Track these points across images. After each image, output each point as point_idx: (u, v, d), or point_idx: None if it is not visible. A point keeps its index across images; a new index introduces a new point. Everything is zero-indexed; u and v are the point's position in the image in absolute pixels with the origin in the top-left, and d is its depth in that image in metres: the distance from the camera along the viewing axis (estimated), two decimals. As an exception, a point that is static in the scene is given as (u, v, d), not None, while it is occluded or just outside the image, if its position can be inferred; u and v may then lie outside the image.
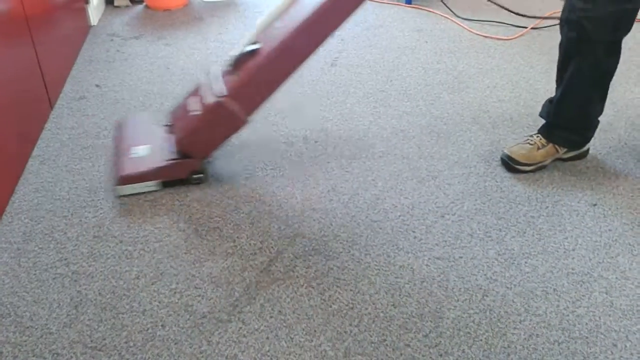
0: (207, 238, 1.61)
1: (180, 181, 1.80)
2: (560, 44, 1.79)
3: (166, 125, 1.91)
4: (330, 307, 1.41)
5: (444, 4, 3.23)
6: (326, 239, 1.61)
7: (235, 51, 1.75)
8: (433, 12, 3.16)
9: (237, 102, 1.69)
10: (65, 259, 1.54)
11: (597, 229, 1.66)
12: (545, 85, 2.40)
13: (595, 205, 1.75)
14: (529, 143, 1.89)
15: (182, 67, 2.54)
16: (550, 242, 1.61)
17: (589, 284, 1.48)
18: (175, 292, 1.44)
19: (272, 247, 1.59)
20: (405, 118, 2.18)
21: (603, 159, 1.95)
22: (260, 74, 1.67)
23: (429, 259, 1.55)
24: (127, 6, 3.24)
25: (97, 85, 2.38)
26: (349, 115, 2.19)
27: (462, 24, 2.99)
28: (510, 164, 1.87)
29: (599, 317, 1.39)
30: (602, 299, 1.44)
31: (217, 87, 1.72)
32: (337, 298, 1.43)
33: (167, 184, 1.80)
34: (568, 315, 1.39)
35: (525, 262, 1.54)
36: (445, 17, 3.09)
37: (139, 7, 3.22)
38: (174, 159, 1.77)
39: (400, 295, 1.44)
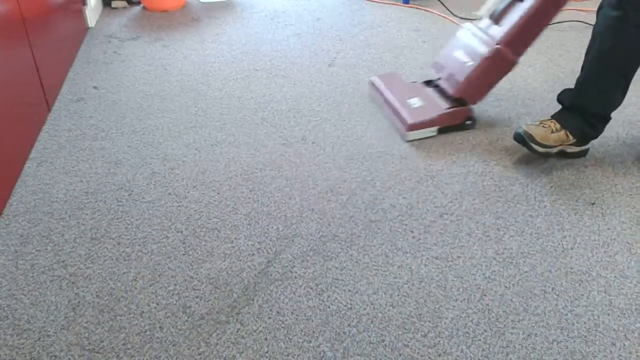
0: (205, 239, 1.61)
1: (454, 127, 2.09)
2: (594, 28, 1.81)
3: (428, 81, 2.25)
4: (329, 307, 1.41)
5: (442, 3, 3.23)
6: (324, 240, 1.61)
7: (489, 8, 2.04)
8: (431, 12, 3.16)
9: (510, 48, 1.96)
10: (63, 261, 1.53)
11: (595, 227, 1.66)
12: (542, 84, 2.40)
13: (593, 204, 1.75)
14: (543, 126, 1.90)
15: (180, 68, 2.54)
16: (548, 241, 1.61)
17: (588, 283, 1.48)
18: (173, 294, 1.44)
19: (270, 248, 1.58)
20: (403, 118, 2.18)
21: (601, 158, 1.95)
22: (529, 20, 1.91)
23: (428, 258, 1.55)
24: (124, 8, 3.23)
25: (94, 87, 2.38)
26: (347, 116, 2.19)
27: (459, 24, 2.99)
28: (526, 141, 1.86)
29: (598, 316, 1.39)
30: (600, 298, 1.43)
31: (489, 38, 2.00)
32: (336, 298, 1.43)
33: (442, 130, 2.07)
34: (567, 315, 1.39)
35: (524, 262, 1.54)
36: (442, 16, 3.09)
37: (137, 9, 3.22)
38: (452, 107, 2.06)
39: (398, 295, 1.44)
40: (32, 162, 1.92)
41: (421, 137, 2.05)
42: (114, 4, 3.23)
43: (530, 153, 1.86)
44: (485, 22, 2.06)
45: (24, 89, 2.00)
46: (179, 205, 1.73)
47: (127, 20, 3.07)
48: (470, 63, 2.01)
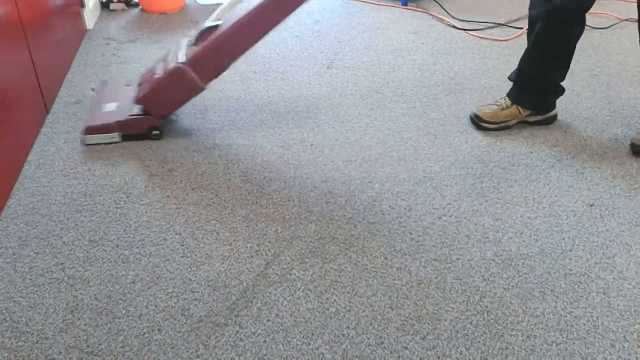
0: (204, 241, 1.61)
1: (140, 136, 2.03)
2: (529, 9, 1.98)
3: (137, 86, 2.14)
4: (328, 309, 1.41)
5: (440, 5, 3.24)
6: (323, 242, 1.61)
7: (201, 27, 2.01)
8: (429, 14, 3.16)
9: (194, 70, 1.93)
10: (61, 264, 1.53)
11: (594, 229, 1.66)
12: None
13: (592, 205, 1.75)
14: (495, 104, 2.11)
15: (178, 71, 2.53)
16: (547, 242, 1.61)
17: (587, 285, 1.48)
18: (171, 296, 1.44)
19: (269, 250, 1.58)
20: (401, 120, 2.18)
21: (600, 159, 1.95)
22: (217, 47, 1.92)
23: (427, 260, 1.55)
24: (122, 10, 3.23)
25: (92, 89, 2.37)
26: (346, 118, 2.19)
27: (458, 25, 2.99)
28: (476, 122, 2.11)
29: (597, 318, 1.39)
30: (599, 300, 1.43)
31: (179, 55, 1.96)
32: (335, 301, 1.43)
33: (127, 137, 2.03)
34: (566, 316, 1.39)
35: (523, 263, 1.54)
36: (441, 18, 3.09)
37: (135, 11, 3.22)
38: (134, 115, 2.01)
39: (397, 297, 1.44)
40: (30, 165, 1.92)
41: (102, 142, 2.00)
42: (112, 6, 3.23)
43: (527, 154, 1.86)
44: (192, 39, 2.01)
45: (22, 91, 2.00)
46: (178, 208, 1.73)
47: (125, 22, 3.07)
48: (158, 75, 1.99)
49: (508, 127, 2.09)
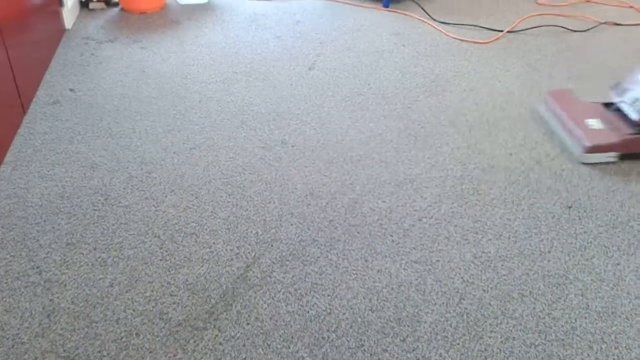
0: (183, 244, 1.60)
1: (635, 155, 1.96)
2: None
3: (607, 103, 2.11)
4: (308, 312, 1.40)
5: (421, 7, 3.25)
6: (304, 244, 1.60)
7: None
8: (410, 16, 3.18)
9: None
10: (38, 267, 1.51)
11: (572, 231, 1.68)
12: (520, 88, 2.42)
13: (570, 207, 1.77)
14: None
15: (158, 71, 2.51)
16: (526, 244, 1.62)
17: (565, 286, 1.49)
18: (149, 300, 1.42)
19: (249, 252, 1.57)
20: (382, 121, 2.18)
21: (578, 162, 1.97)
22: None
23: (407, 262, 1.55)
24: (102, 9, 3.20)
25: (71, 90, 2.35)
26: (327, 119, 2.19)
27: (439, 28, 3.00)
28: None
29: (575, 319, 1.40)
30: (577, 301, 1.45)
31: None
32: (315, 303, 1.43)
33: (624, 157, 1.96)
34: (544, 318, 1.40)
35: (502, 265, 1.55)
36: (422, 20, 3.10)
37: (114, 10, 3.19)
38: (636, 133, 1.94)
39: (377, 299, 1.44)
40: (6, 166, 1.89)
41: (600, 161, 1.96)
42: (91, 5, 3.19)
43: (507, 156, 1.87)
44: None
45: (-2, 92, 1.97)
46: (157, 210, 1.72)
47: (104, 21, 3.04)
48: None
49: None
